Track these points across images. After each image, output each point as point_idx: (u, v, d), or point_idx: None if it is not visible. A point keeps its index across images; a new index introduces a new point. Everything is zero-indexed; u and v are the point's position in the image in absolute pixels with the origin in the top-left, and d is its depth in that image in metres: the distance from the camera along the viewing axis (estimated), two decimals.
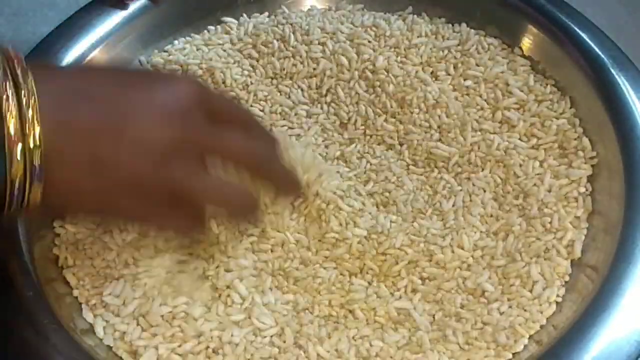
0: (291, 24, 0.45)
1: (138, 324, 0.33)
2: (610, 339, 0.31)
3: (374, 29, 0.45)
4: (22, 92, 0.25)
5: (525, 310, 0.33)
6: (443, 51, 0.44)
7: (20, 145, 0.25)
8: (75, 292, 0.35)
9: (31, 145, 0.25)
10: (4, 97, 0.25)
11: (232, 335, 0.33)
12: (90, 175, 0.27)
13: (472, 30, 0.45)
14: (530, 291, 0.34)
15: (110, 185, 0.28)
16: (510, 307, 0.34)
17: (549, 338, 0.32)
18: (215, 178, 0.30)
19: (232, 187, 0.31)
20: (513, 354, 0.32)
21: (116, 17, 0.44)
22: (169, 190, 0.29)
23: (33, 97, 0.25)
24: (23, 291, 0.33)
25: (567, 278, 0.35)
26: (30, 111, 0.25)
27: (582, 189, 0.37)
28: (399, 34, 0.44)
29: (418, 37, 0.44)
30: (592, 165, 0.38)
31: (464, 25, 0.45)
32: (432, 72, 0.43)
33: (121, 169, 0.27)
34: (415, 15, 0.46)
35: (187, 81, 0.30)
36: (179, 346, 0.32)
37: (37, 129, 0.25)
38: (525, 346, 0.32)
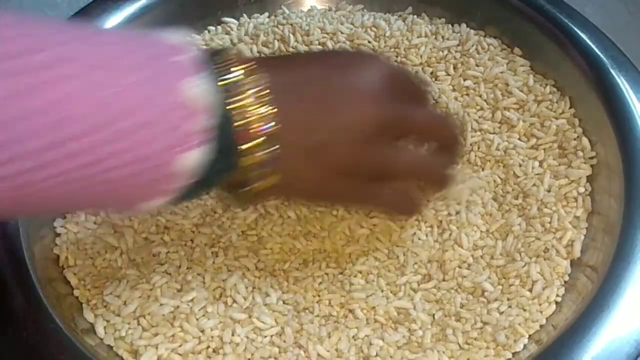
0: (291, 24, 0.45)
1: (139, 324, 0.33)
2: (609, 338, 0.31)
3: (374, 29, 0.45)
4: (254, 92, 0.26)
5: (524, 310, 0.33)
6: (443, 51, 0.44)
7: (259, 136, 0.26)
8: (76, 292, 0.35)
9: (272, 133, 0.27)
10: (241, 96, 0.26)
11: (232, 335, 0.33)
12: (308, 159, 0.29)
13: (472, 31, 0.45)
14: (530, 291, 0.34)
15: (325, 167, 0.30)
16: (509, 306, 0.34)
17: (549, 338, 0.32)
18: (414, 152, 0.33)
19: (430, 158, 0.34)
20: (513, 353, 0.32)
21: (116, 18, 0.44)
22: (375, 167, 0.31)
23: (264, 96, 0.27)
24: (24, 291, 0.33)
25: (566, 278, 0.35)
26: (267, 105, 0.27)
27: (582, 189, 0.37)
28: (399, 34, 0.44)
29: (418, 37, 0.44)
30: (592, 165, 0.38)
31: (463, 25, 0.45)
32: (432, 72, 0.43)
33: (335, 153, 0.29)
34: (415, 16, 0.46)
35: (378, 61, 0.32)
36: (180, 346, 0.32)
37: (275, 121, 0.27)
38: (524, 346, 0.32)
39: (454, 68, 0.43)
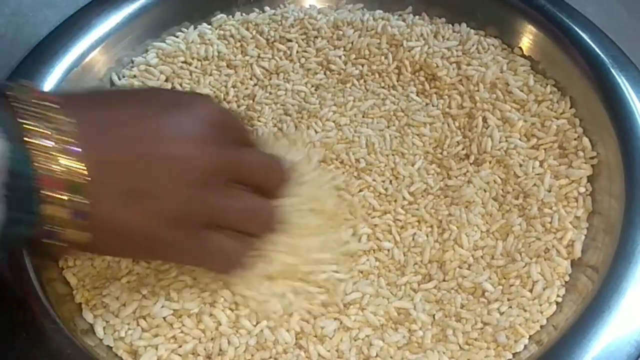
0: (291, 24, 0.45)
1: (138, 325, 0.33)
2: (610, 339, 0.31)
3: (373, 28, 0.45)
4: (56, 131, 0.24)
5: (525, 311, 0.33)
6: (443, 51, 0.43)
7: (62, 185, 0.24)
8: (75, 293, 0.35)
9: (78, 183, 0.24)
10: (41, 138, 0.23)
11: (232, 336, 0.33)
12: (128, 207, 0.26)
13: (472, 31, 0.45)
14: (530, 291, 0.34)
15: (149, 215, 0.27)
16: (510, 307, 0.34)
17: (549, 338, 0.32)
18: (244, 195, 0.30)
19: (260, 201, 0.31)
20: (513, 354, 0.32)
21: (116, 18, 0.44)
22: (205, 213, 0.29)
23: (72, 134, 0.24)
24: (24, 292, 0.33)
25: (567, 278, 0.35)
26: (72, 148, 0.24)
27: (582, 189, 0.37)
28: (398, 33, 0.44)
29: (418, 37, 0.44)
30: (592, 165, 0.38)
31: (464, 25, 0.45)
32: (431, 72, 0.43)
33: (160, 197, 0.27)
34: (415, 16, 0.46)
35: (206, 103, 0.30)
36: (180, 347, 0.32)
37: (82, 166, 0.24)
38: (525, 346, 0.32)
39: (454, 68, 0.43)
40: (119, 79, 0.44)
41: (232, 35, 0.46)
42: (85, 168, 0.24)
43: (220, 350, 0.32)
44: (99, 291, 0.34)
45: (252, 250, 0.32)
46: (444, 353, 0.32)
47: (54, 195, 0.24)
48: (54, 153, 0.23)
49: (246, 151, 0.31)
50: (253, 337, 0.33)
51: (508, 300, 0.34)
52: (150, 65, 0.44)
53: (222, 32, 0.46)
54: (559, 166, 0.38)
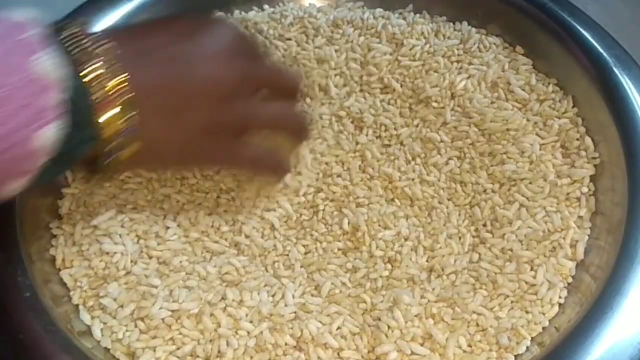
0: (290, 23, 0.45)
1: (136, 326, 0.33)
2: (612, 341, 0.30)
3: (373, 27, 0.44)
4: (104, 61, 0.27)
5: (527, 312, 0.33)
6: (444, 50, 0.43)
7: (115, 105, 0.27)
8: (73, 294, 0.34)
9: (128, 103, 0.28)
10: (92, 67, 0.27)
11: (231, 337, 0.32)
12: (169, 123, 0.30)
13: (474, 29, 0.45)
14: (533, 293, 0.34)
15: (189, 129, 0.31)
16: (512, 308, 0.33)
17: (552, 340, 0.32)
18: (271, 103, 0.34)
19: (286, 106, 0.35)
20: (515, 355, 0.32)
21: (113, 16, 0.44)
22: (238, 121, 0.33)
23: (117, 61, 0.27)
24: (20, 293, 0.32)
25: (569, 279, 0.34)
26: (117, 75, 0.27)
27: (585, 189, 0.37)
28: (399, 32, 0.44)
29: (418, 35, 0.44)
30: (595, 165, 0.38)
31: (465, 23, 0.45)
32: (433, 70, 0.43)
33: (195, 110, 0.31)
34: (415, 14, 0.46)
35: (227, 26, 0.33)
36: (178, 349, 0.32)
37: (129, 89, 0.28)
38: (527, 348, 0.32)
39: (456, 67, 0.42)
40: None
41: None
42: (130, 82, 0.28)
43: (219, 352, 0.32)
44: (96, 292, 0.34)
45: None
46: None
47: (109, 111, 0.27)
48: (105, 77, 0.27)
49: (264, 62, 0.35)
50: (252, 339, 0.32)
51: (510, 301, 0.34)
52: None
53: None
54: (561, 166, 0.38)
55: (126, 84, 0.27)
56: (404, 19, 0.46)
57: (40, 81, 0.24)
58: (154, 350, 0.32)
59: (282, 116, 0.35)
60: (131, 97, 0.28)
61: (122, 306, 0.33)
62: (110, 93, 0.27)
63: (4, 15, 0.26)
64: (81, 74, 0.26)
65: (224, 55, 0.31)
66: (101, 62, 0.27)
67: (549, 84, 0.41)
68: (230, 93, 0.31)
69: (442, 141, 0.40)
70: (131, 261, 0.35)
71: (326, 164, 0.40)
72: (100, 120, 0.27)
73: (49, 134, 0.25)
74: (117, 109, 0.27)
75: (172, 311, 0.33)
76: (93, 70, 0.27)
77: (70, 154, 0.27)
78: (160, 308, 0.33)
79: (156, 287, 0.34)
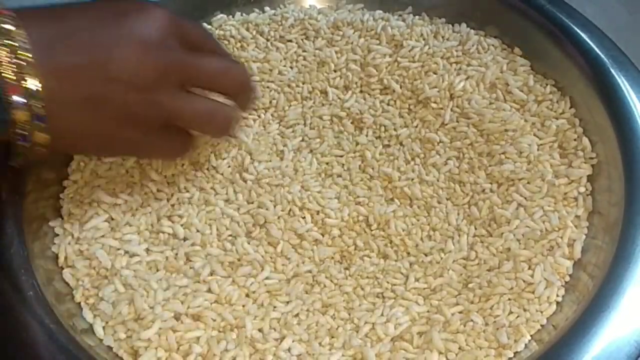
0: (291, 24, 0.46)
1: (138, 325, 0.33)
2: (610, 338, 0.31)
3: (373, 29, 0.45)
4: (15, 40, 0.26)
5: (525, 310, 0.33)
6: (443, 51, 0.43)
7: (20, 91, 0.26)
8: (75, 292, 0.35)
9: (33, 90, 0.27)
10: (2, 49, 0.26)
11: (232, 339, 0.33)
12: (86, 112, 0.29)
13: (472, 31, 0.45)
14: (531, 291, 0.34)
15: (106, 119, 0.30)
16: (510, 306, 0.34)
17: (550, 337, 0.32)
18: (199, 98, 0.32)
19: (215, 104, 0.33)
20: (514, 353, 0.32)
21: None
22: (158, 115, 0.31)
23: (26, 44, 0.26)
24: (23, 291, 0.33)
25: (567, 278, 0.35)
26: (25, 58, 0.26)
27: (582, 189, 0.37)
28: (398, 34, 0.44)
29: (418, 37, 0.44)
30: (592, 165, 0.38)
31: (463, 25, 0.45)
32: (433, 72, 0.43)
33: (112, 102, 0.29)
34: (415, 16, 0.46)
35: (159, 10, 0.31)
36: (180, 347, 0.32)
37: (35, 74, 0.27)
38: (526, 345, 0.32)
39: (454, 68, 0.43)
40: None
41: (232, 36, 0.46)
42: (38, 70, 0.27)
43: (220, 352, 0.32)
44: (99, 290, 0.34)
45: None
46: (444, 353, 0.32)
47: (16, 100, 0.27)
48: (8, 64, 0.26)
49: (203, 57, 0.32)
50: (253, 342, 0.32)
51: (509, 299, 0.34)
52: None
53: (222, 32, 0.46)
54: (559, 166, 0.38)
55: (32, 72, 0.27)
56: (404, 20, 0.46)
57: None
58: (156, 349, 0.32)
59: (208, 114, 0.33)
60: (38, 87, 0.27)
61: (122, 305, 0.33)
62: (14, 81, 0.26)
63: None
64: None
65: (147, 44, 0.29)
66: (9, 47, 0.26)
67: (547, 85, 0.42)
68: (151, 84, 0.30)
69: (441, 141, 0.40)
70: (131, 260, 0.35)
71: (327, 164, 0.40)
72: (11, 102, 0.27)
73: None
74: (23, 97, 0.27)
75: (175, 310, 0.33)
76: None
77: None
78: (162, 307, 0.33)
79: (156, 287, 0.34)
